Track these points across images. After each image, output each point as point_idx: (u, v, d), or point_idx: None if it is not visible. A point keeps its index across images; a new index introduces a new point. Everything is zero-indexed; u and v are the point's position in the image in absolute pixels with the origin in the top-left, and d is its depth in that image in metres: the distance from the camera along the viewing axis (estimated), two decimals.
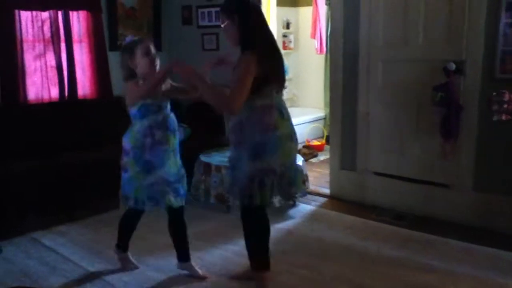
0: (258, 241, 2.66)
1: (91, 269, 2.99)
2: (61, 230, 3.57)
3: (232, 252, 3.20)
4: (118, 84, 4.83)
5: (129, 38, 2.78)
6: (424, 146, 3.73)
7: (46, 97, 4.40)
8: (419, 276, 2.85)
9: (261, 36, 2.45)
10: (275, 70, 2.49)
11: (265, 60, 2.38)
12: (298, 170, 2.75)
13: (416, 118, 3.74)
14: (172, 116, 2.78)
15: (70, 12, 4.47)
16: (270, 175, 2.47)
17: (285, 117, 2.55)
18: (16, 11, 4.11)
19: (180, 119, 5.04)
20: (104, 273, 2.95)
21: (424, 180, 3.77)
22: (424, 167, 3.75)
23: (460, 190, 3.60)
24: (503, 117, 3.29)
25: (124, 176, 2.80)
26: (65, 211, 3.72)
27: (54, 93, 4.46)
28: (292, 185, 2.63)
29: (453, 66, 3.41)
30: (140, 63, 2.65)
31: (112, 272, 2.96)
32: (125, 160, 2.77)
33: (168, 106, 2.78)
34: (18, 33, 4.14)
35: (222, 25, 2.52)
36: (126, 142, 2.75)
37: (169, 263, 3.04)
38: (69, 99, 4.51)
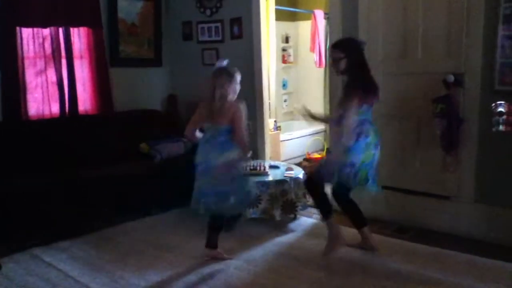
0: None
1: (92, 285, 2.96)
2: (62, 246, 3.54)
3: (233, 267, 3.17)
4: (119, 100, 4.86)
5: (225, 62, 3.16)
6: (425, 158, 3.73)
7: (47, 113, 4.42)
8: None
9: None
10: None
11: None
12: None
13: (417, 131, 3.75)
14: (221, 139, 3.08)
15: (71, 29, 4.51)
16: None
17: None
18: (18, 28, 4.15)
19: (181, 134, 5.06)
20: None
21: (426, 192, 3.76)
22: (426, 179, 3.74)
23: (462, 202, 3.59)
24: (503, 129, 3.29)
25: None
26: (65, 227, 3.70)
27: (55, 109, 4.48)
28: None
29: (452, 78, 3.43)
30: (235, 89, 3.10)
31: None
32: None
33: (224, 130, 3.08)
34: (19, 50, 4.17)
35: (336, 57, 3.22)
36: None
37: (170, 278, 3.02)
38: (70, 115, 4.52)
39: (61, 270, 3.16)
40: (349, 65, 3.18)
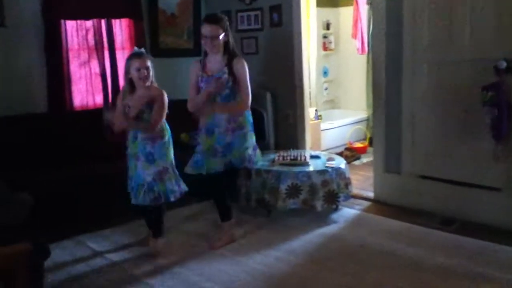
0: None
1: (135, 272, 3.03)
2: (106, 233, 3.64)
3: (274, 258, 3.16)
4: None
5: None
6: (473, 148, 3.57)
7: (91, 103, 4.52)
8: (470, 285, 2.72)
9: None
10: None
11: None
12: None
13: (464, 120, 3.59)
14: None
15: (113, 21, 4.58)
16: None
17: None
18: (62, 21, 4.24)
19: None
20: (147, 276, 2.97)
21: (474, 184, 3.61)
22: (474, 170, 3.59)
23: None
24: None
25: None
26: (110, 214, 3.78)
27: (99, 99, 4.57)
28: None
29: (503, 65, 3.25)
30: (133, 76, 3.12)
31: (155, 275, 2.98)
32: None
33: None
34: (64, 42, 4.27)
35: (218, 35, 3.11)
36: None
37: (212, 267, 3.05)
38: (113, 105, 4.60)
39: (106, 257, 3.25)
40: (227, 40, 3.15)
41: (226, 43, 3.17)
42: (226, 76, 3.14)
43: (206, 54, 3.24)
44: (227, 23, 3.18)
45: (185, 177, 3.31)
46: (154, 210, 3.24)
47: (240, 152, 3.25)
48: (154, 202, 3.13)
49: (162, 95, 3.15)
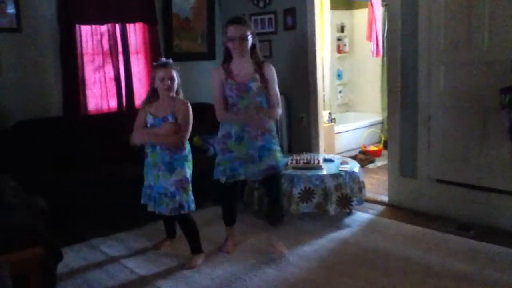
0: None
1: (147, 276, 3.03)
2: (119, 237, 3.65)
3: (286, 262, 3.13)
4: None
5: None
6: (491, 152, 3.50)
7: (105, 107, 4.55)
8: None
9: None
10: None
11: None
12: None
13: (482, 123, 3.52)
14: None
15: (127, 25, 4.60)
16: None
17: None
18: (77, 26, 4.28)
19: None
20: (159, 280, 2.97)
21: (492, 188, 3.53)
22: (492, 174, 3.51)
23: None
24: None
25: None
26: (123, 218, 3.79)
27: (113, 103, 4.60)
28: None
29: None
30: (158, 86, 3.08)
31: (167, 280, 2.97)
32: None
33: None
34: (78, 47, 4.30)
35: (247, 36, 2.95)
36: None
37: (224, 272, 3.03)
38: (126, 109, 4.63)
39: (118, 261, 3.26)
40: (254, 43, 3.02)
41: (253, 46, 3.00)
42: (258, 84, 3.01)
43: (228, 59, 3.06)
44: (252, 25, 3.04)
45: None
46: (185, 224, 3.18)
47: (274, 154, 3.09)
48: (175, 212, 3.05)
49: (187, 108, 3.07)
